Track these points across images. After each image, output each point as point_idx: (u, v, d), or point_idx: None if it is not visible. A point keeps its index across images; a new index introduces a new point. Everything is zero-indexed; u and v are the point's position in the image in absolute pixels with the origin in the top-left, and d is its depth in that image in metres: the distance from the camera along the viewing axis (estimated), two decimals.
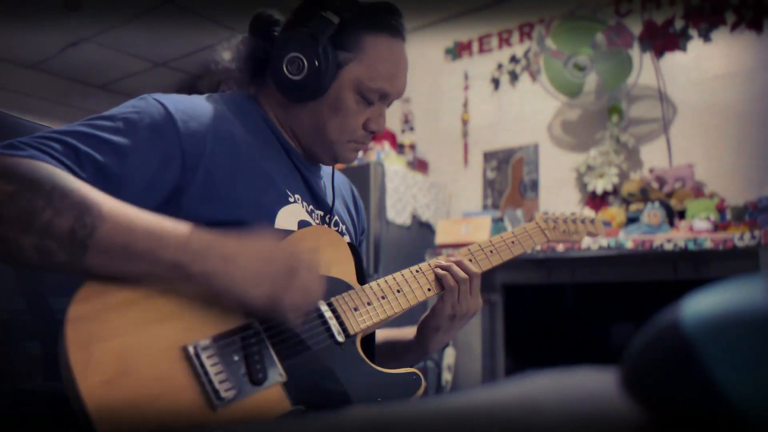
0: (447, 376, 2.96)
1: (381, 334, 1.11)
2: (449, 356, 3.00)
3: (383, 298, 0.92)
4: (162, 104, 0.85)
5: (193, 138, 0.84)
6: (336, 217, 1.05)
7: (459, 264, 0.99)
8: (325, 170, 1.11)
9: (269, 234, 0.79)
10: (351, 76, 0.94)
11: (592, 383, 0.37)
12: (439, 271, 0.98)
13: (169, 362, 0.67)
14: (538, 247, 1.04)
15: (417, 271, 0.98)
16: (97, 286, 0.68)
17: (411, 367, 0.92)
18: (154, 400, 0.64)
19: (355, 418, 0.35)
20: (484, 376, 3.21)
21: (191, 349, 0.69)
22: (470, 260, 1.02)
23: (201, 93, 0.98)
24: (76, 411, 0.62)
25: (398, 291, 0.94)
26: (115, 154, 0.77)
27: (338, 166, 1.12)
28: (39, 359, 0.94)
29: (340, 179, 1.17)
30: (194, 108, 0.89)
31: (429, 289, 0.97)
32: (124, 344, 0.65)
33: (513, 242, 1.09)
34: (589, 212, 2.99)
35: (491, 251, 1.06)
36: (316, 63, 0.91)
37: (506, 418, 0.33)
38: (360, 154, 1.03)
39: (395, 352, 1.08)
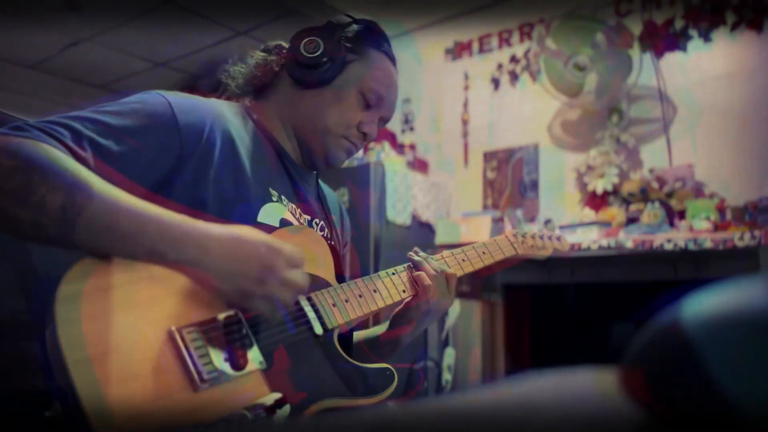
0: (447, 376, 2.96)
1: (356, 334, 1.18)
2: (449, 356, 3.00)
3: (360, 296, 0.97)
4: (163, 96, 0.91)
5: (190, 128, 0.90)
6: (322, 222, 1.11)
7: (432, 265, 1.09)
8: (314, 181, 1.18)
9: (252, 228, 0.81)
10: (356, 73, 1.05)
11: (592, 383, 0.37)
12: (415, 272, 1.07)
13: (155, 343, 0.70)
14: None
15: (393, 274, 1.05)
16: (88, 266, 0.70)
17: (384, 360, 1.00)
18: (138, 378, 0.67)
19: (356, 418, 0.35)
20: (484, 376, 3.21)
21: (177, 333, 0.72)
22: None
23: (201, 93, 1.03)
24: (62, 386, 0.63)
25: (374, 291, 1.00)
26: (116, 138, 0.83)
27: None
28: (39, 359, 0.94)
29: (329, 194, 1.24)
30: (194, 103, 0.95)
31: (404, 291, 1.04)
32: (112, 324, 0.68)
33: (484, 252, 1.18)
34: (588, 212, 2.99)
35: (463, 259, 1.15)
36: (331, 47, 1.02)
37: (506, 418, 0.33)
38: (346, 161, 1.12)
39: (368, 347, 1.15)
